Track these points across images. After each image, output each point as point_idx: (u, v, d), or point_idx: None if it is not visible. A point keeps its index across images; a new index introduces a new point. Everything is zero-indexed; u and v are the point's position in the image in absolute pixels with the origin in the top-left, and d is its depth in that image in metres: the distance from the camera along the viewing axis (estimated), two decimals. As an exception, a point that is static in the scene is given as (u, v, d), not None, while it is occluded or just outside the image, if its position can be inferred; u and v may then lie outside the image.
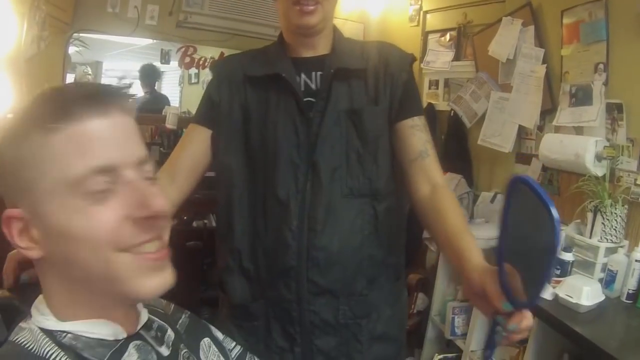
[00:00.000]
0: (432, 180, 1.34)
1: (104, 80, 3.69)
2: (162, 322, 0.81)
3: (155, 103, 3.97)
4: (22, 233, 0.64)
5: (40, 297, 0.70)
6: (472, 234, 1.19)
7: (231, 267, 1.42)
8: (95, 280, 0.65)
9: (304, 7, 1.28)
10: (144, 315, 0.78)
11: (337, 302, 1.38)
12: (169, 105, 4.07)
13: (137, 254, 0.65)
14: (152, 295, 0.68)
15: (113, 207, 0.62)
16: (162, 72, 4.18)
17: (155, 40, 3.68)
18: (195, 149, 1.42)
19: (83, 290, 0.67)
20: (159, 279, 0.67)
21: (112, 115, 0.62)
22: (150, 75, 4.14)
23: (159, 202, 0.64)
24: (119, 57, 3.71)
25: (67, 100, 0.60)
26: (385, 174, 1.38)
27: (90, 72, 3.59)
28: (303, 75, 1.39)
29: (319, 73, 1.38)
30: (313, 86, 1.39)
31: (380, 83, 1.38)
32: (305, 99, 1.36)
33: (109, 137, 0.62)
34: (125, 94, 0.66)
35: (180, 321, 0.88)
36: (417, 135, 1.37)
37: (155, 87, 4.24)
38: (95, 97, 0.61)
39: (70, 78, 3.43)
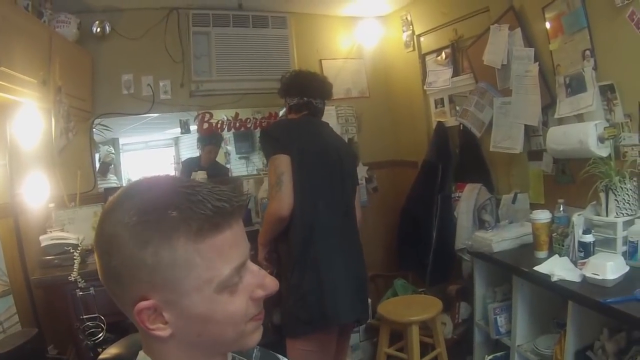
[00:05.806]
0: None
1: (123, 156, 3.87)
2: (242, 357, 0.98)
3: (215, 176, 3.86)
4: (152, 317, 0.75)
5: (143, 354, 0.83)
6: None
7: None
8: (223, 344, 0.82)
9: None
10: (229, 356, 0.93)
11: None
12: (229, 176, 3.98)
13: (254, 319, 0.83)
14: (255, 344, 0.86)
15: (243, 293, 0.79)
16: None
17: (168, 111, 3.84)
18: None
19: (199, 353, 0.81)
20: (260, 331, 0.85)
21: (238, 222, 0.79)
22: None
23: (272, 283, 0.83)
24: (135, 131, 3.86)
25: (210, 217, 0.73)
26: None
27: (113, 152, 3.77)
28: None
29: None
30: None
31: None
32: None
33: (238, 240, 0.79)
34: (245, 206, 0.85)
35: (254, 355, 1.04)
36: None
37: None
38: (230, 212, 0.77)
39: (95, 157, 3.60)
